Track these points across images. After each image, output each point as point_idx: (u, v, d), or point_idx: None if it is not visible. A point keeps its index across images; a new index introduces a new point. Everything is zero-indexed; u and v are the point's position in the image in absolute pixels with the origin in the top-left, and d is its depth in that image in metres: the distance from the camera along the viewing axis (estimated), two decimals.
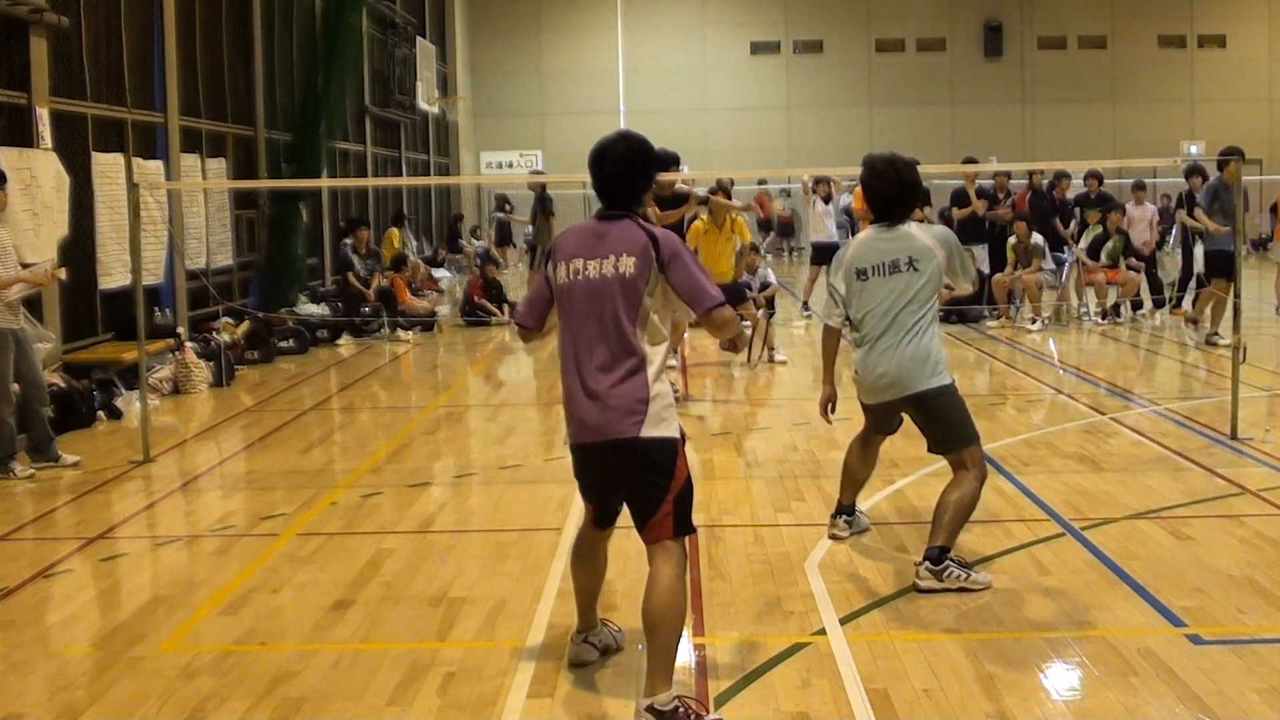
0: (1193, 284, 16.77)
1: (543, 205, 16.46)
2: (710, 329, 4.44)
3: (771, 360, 12.91)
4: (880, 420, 6.18)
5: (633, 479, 4.36)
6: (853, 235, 17.84)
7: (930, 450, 6.03)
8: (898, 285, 5.76)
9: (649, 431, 4.28)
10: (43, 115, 10.91)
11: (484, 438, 9.74)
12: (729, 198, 13.02)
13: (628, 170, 4.49)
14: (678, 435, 4.37)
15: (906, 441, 9.07)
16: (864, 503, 7.22)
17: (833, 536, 6.42)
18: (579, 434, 4.39)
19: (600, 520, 4.65)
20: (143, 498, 7.98)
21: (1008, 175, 17.38)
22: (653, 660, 4.22)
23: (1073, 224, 17.04)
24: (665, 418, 4.32)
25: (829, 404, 6.17)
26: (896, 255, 5.79)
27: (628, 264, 4.35)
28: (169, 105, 13.78)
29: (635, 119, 33.03)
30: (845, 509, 6.51)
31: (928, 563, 5.60)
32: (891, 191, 5.88)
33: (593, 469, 4.50)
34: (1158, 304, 16.09)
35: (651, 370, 4.34)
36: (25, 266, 9.11)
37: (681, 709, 4.13)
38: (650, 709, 4.13)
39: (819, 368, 14.07)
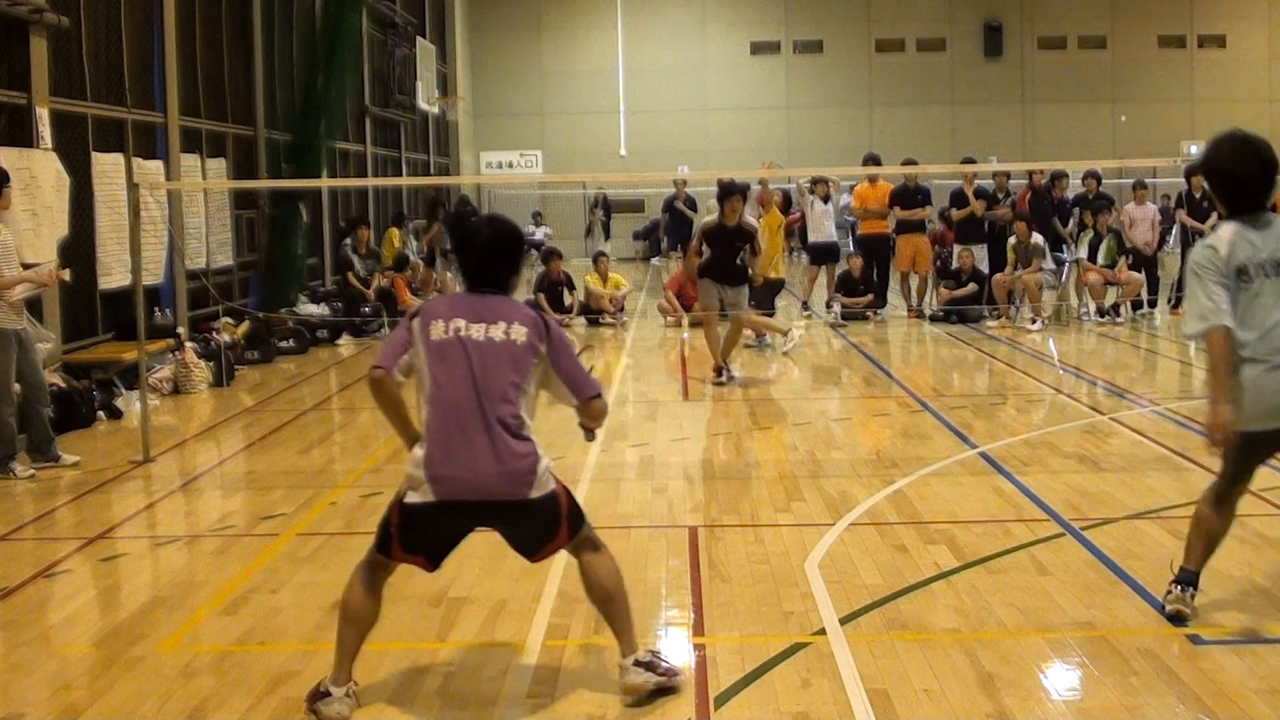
0: None
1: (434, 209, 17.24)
2: (587, 417, 4.58)
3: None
4: (1260, 454, 5.14)
5: (520, 532, 4.49)
6: (853, 235, 17.98)
7: None
8: None
9: (538, 491, 4.34)
10: (43, 115, 10.91)
11: None
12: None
13: (494, 256, 4.49)
14: (555, 486, 4.42)
15: (906, 441, 9.10)
16: (864, 503, 7.23)
17: (1176, 612, 5.14)
18: (447, 489, 4.29)
19: (430, 566, 4.54)
20: (143, 498, 7.98)
21: (1007, 175, 17.39)
22: (617, 627, 4.55)
23: (1071, 223, 17.05)
24: (548, 477, 4.39)
25: (1222, 430, 4.90)
26: (1278, 252, 4.93)
27: (519, 332, 4.37)
28: (169, 105, 13.78)
29: (635, 119, 33.05)
30: (1190, 577, 5.19)
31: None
32: (1252, 174, 4.98)
33: (450, 525, 4.42)
34: (1152, 304, 16.10)
35: (530, 433, 4.38)
36: (26, 267, 9.11)
37: (654, 659, 4.55)
38: (635, 663, 4.50)
39: (819, 367, 14.15)
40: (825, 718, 4.34)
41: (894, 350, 14.66)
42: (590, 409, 4.53)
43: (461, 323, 4.37)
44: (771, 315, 14.86)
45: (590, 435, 4.76)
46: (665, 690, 4.50)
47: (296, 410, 11.06)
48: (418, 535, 4.41)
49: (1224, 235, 4.95)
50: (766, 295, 14.43)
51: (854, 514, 6.99)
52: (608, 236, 28.93)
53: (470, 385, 4.31)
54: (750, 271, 12.06)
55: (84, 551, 6.70)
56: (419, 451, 4.35)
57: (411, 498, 4.35)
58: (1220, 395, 4.85)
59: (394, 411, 4.52)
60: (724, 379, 11.81)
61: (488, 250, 4.49)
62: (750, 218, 12.39)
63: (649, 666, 4.50)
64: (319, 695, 4.38)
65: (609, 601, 4.54)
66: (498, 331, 4.35)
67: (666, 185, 29.96)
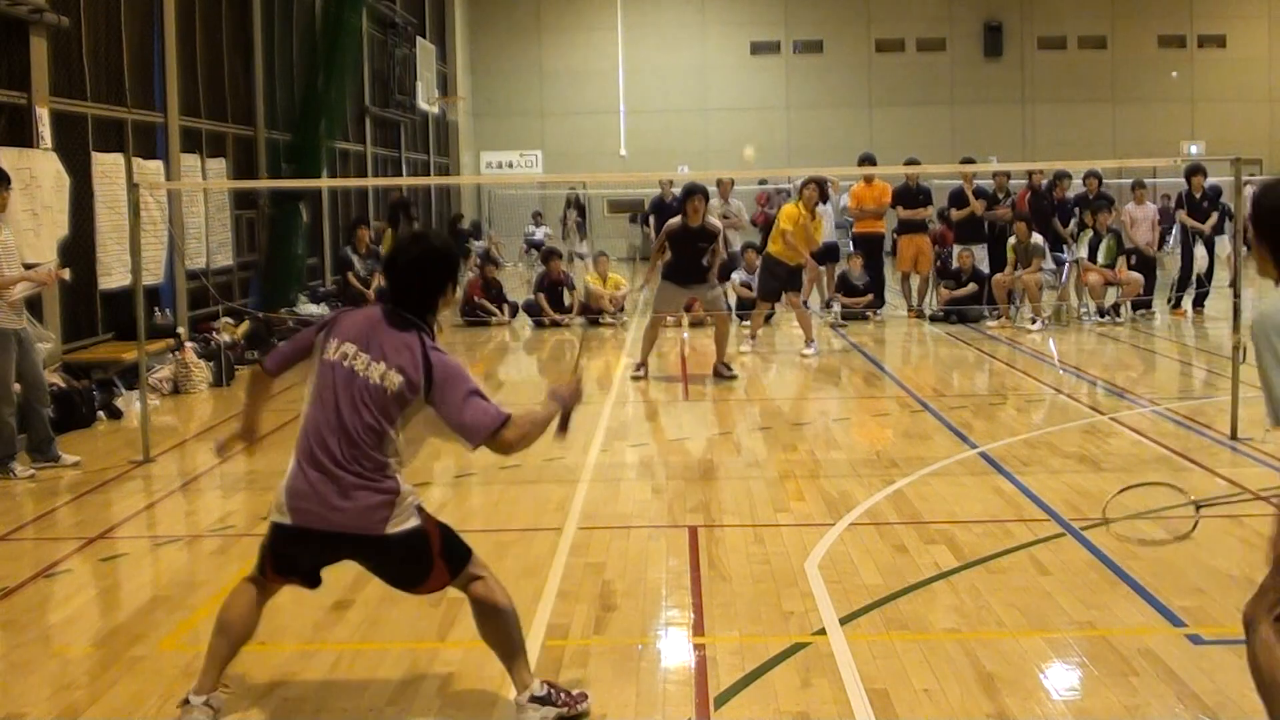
0: (1192, 283, 16.80)
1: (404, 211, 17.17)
2: (499, 452, 4.20)
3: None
4: None
5: (384, 569, 4.31)
6: (851, 235, 17.97)
7: None
8: None
9: (395, 528, 4.13)
10: (43, 115, 10.91)
11: None
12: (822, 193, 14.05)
13: (416, 276, 4.22)
14: (420, 522, 4.20)
15: (906, 441, 9.10)
16: (864, 503, 7.24)
17: None
18: (301, 516, 4.15)
19: (308, 585, 4.44)
20: (143, 498, 7.98)
21: (1007, 175, 17.39)
22: (510, 665, 4.34)
23: (1072, 223, 17.05)
24: (409, 513, 4.17)
25: None
26: None
27: (393, 380, 4.12)
28: (169, 105, 13.78)
29: (635, 119, 33.05)
30: None
31: None
32: None
33: (310, 552, 4.27)
34: (1148, 304, 16.11)
35: (398, 475, 4.18)
36: (27, 268, 9.11)
37: (551, 691, 4.33)
38: (531, 699, 4.29)
39: (819, 367, 14.14)
40: (825, 718, 4.34)
41: (894, 350, 14.66)
42: (497, 445, 4.13)
43: (351, 349, 4.17)
44: (772, 311, 15.03)
45: (562, 429, 4.45)
46: None
47: (296, 410, 10.98)
48: (285, 558, 4.29)
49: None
50: (784, 286, 13.94)
51: (854, 514, 6.99)
52: (583, 237, 28.66)
53: (334, 417, 4.15)
54: (711, 272, 12.12)
55: (84, 551, 6.70)
56: (289, 469, 4.23)
57: (275, 517, 4.24)
58: None
59: (251, 404, 4.74)
60: (642, 374, 12.06)
61: (410, 269, 4.23)
62: (713, 218, 12.38)
63: (546, 700, 4.29)
64: (182, 702, 4.29)
65: (494, 622, 4.29)
66: (375, 373, 4.13)
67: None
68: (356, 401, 4.14)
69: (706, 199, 12.17)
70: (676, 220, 12.07)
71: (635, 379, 12.01)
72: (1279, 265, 3.84)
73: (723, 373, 12.07)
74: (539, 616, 5.37)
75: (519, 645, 4.36)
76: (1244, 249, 9.73)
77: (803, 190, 13.68)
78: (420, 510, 4.24)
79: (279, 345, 4.49)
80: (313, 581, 4.42)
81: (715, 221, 12.35)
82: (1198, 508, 4.35)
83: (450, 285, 4.31)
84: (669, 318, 16.36)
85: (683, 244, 11.96)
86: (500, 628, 4.32)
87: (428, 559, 4.22)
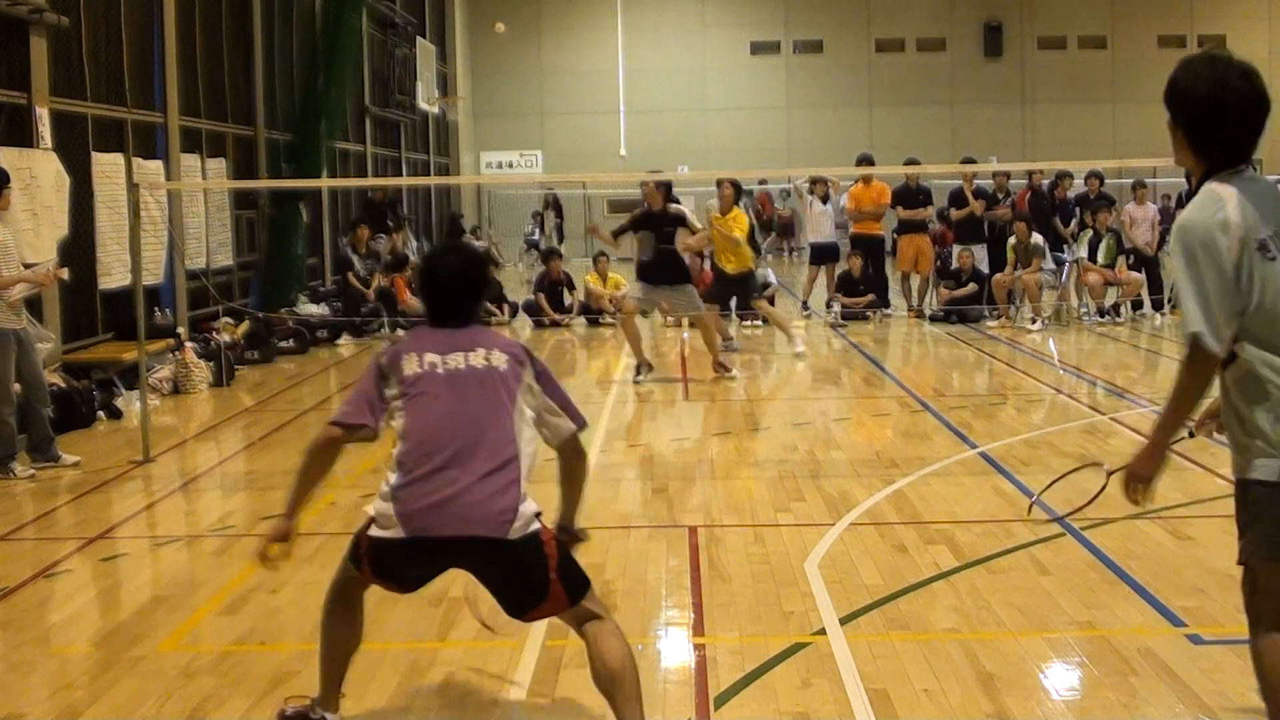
0: None
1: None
2: (567, 457, 4.23)
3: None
4: None
5: (500, 579, 4.04)
6: (850, 235, 17.95)
7: None
8: None
9: (517, 534, 3.93)
10: (43, 115, 10.91)
11: None
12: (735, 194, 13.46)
13: (462, 288, 4.18)
14: (540, 531, 4.03)
15: (906, 441, 9.10)
16: (864, 503, 7.23)
17: None
18: (417, 525, 3.90)
19: (402, 591, 4.29)
20: (143, 498, 7.98)
21: (1007, 175, 17.39)
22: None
23: (1073, 223, 17.05)
24: (531, 520, 3.99)
25: None
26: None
27: (499, 358, 4.07)
28: (169, 105, 13.78)
29: (635, 119, 33.05)
30: None
31: None
32: (1247, 104, 3.40)
33: (416, 564, 4.06)
34: (1156, 304, 16.08)
35: (525, 467, 4.04)
36: (26, 267, 9.11)
37: None
38: None
39: (819, 367, 14.14)
40: (825, 718, 4.34)
41: (894, 350, 14.66)
42: (574, 444, 4.19)
43: (436, 356, 4.06)
44: (725, 312, 14.78)
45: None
46: None
47: (296, 410, 11.06)
48: (390, 569, 4.10)
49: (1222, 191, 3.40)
50: (725, 292, 13.98)
51: (854, 514, 6.99)
52: (561, 239, 28.43)
53: (447, 418, 3.98)
54: (686, 260, 12.03)
55: (84, 551, 6.70)
56: (388, 485, 3.99)
57: (377, 532, 3.99)
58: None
59: (313, 475, 4.24)
60: (644, 374, 11.83)
61: (454, 283, 4.16)
62: (675, 205, 12.16)
63: None
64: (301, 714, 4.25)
65: (612, 673, 3.94)
66: (478, 359, 4.05)
67: None
68: (468, 393, 4.01)
69: (662, 185, 11.99)
70: (640, 209, 12.03)
71: (638, 383, 11.76)
72: (1198, 151, 3.50)
73: (721, 372, 12.00)
74: None
75: (635, 698, 3.93)
76: None
77: (720, 190, 13.42)
78: (539, 519, 4.04)
79: (342, 408, 4.17)
80: (413, 588, 4.24)
81: (679, 206, 12.19)
82: (1109, 474, 4.32)
83: (485, 293, 4.34)
84: (668, 318, 16.41)
85: (647, 229, 11.79)
86: (612, 678, 3.92)
87: (545, 576, 3.98)
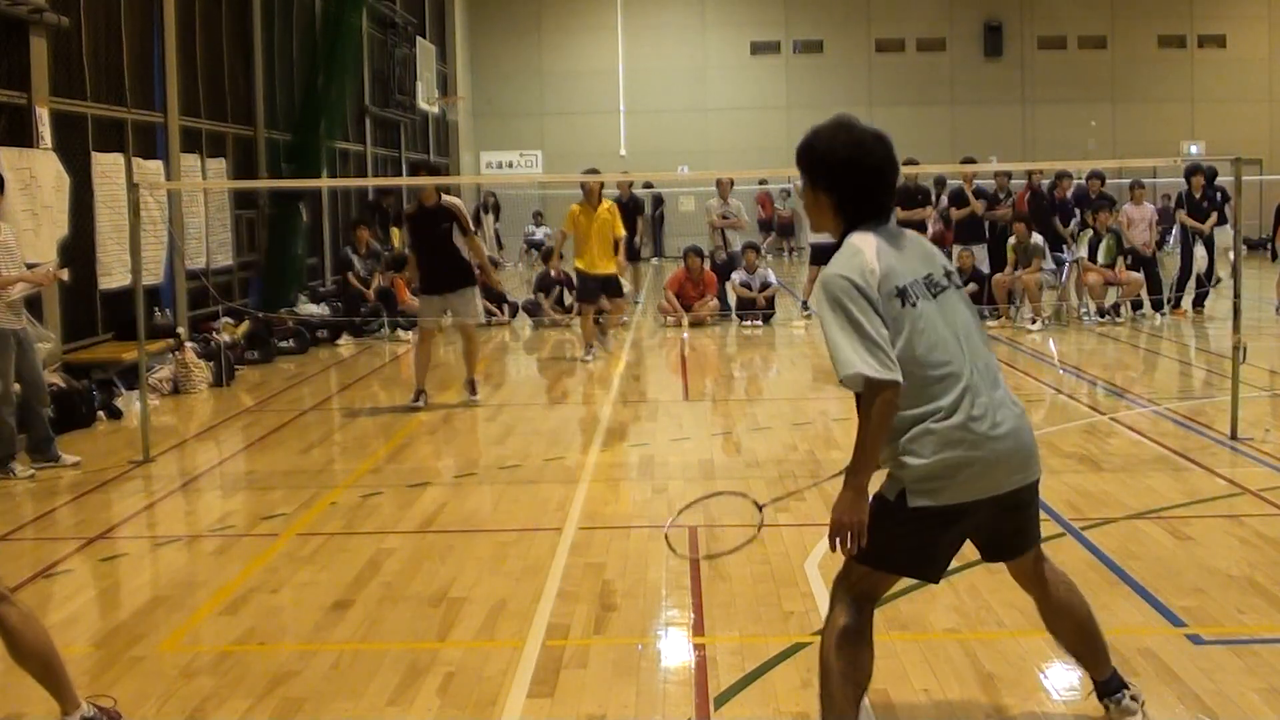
0: (1191, 283, 16.81)
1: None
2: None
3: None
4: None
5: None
6: None
7: (1008, 559, 4.07)
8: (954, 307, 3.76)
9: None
10: (43, 115, 10.91)
11: (484, 438, 9.73)
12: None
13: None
14: None
15: None
16: None
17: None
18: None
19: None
20: (143, 498, 7.97)
21: (1008, 175, 17.39)
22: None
23: (1073, 224, 17.05)
24: None
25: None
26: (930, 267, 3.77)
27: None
28: (169, 105, 13.78)
29: (635, 119, 33.05)
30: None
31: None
32: (884, 163, 3.72)
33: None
34: (1156, 304, 16.08)
35: None
36: (28, 267, 9.11)
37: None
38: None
39: (819, 367, 14.17)
40: None
41: None
42: None
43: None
44: (600, 313, 14.09)
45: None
46: None
47: (296, 410, 11.06)
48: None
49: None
50: (596, 289, 13.55)
51: None
52: (500, 245, 28.14)
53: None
54: (473, 264, 10.83)
55: (84, 551, 6.70)
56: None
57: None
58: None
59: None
60: (475, 396, 10.92)
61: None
62: (453, 197, 11.15)
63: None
64: None
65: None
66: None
67: (667, 185, 29.99)
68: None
69: (434, 173, 11.40)
70: (413, 204, 10.96)
71: (472, 402, 10.84)
72: (839, 212, 3.66)
73: (467, 393, 10.92)
74: (539, 617, 5.37)
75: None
76: (1243, 248, 9.73)
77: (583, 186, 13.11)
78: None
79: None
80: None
81: (454, 199, 11.04)
82: (760, 508, 4.30)
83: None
84: (668, 318, 16.42)
85: (423, 226, 10.67)
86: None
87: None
